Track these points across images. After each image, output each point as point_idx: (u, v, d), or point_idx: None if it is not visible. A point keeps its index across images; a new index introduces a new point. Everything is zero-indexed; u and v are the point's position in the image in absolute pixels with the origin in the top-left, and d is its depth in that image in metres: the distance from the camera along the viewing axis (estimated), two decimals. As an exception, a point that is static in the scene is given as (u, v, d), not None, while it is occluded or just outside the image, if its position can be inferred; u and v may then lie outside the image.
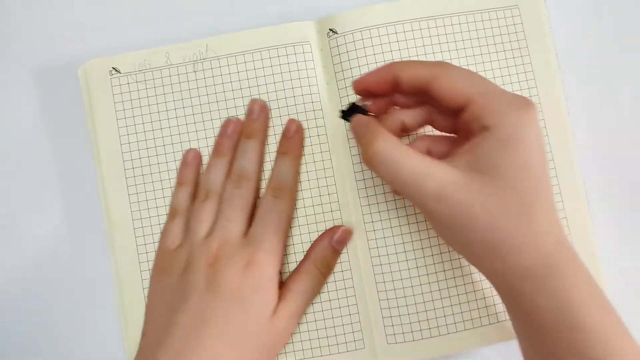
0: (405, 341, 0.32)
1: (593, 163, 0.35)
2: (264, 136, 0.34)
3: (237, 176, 0.32)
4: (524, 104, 0.24)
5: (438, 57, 0.34)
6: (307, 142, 0.34)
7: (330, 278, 0.33)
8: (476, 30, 0.35)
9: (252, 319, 0.29)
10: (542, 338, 0.25)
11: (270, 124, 0.34)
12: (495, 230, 0.24)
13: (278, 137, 0.34)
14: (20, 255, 0.36)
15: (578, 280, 0.24)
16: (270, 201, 0.32)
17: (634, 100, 0.36)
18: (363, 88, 0.29)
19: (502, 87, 0.34)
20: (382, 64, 0.34)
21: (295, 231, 0.33)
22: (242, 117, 0.34)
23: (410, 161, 0.24)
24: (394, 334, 0.32)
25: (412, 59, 0.34)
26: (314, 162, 0.34)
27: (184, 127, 0.34)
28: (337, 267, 0.33)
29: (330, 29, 0.35)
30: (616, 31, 0.37)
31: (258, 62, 0.35)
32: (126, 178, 0.34)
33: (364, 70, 0.34)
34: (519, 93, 0.34)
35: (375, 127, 0.26)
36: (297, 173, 0.33)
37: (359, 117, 0.28)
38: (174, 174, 0.34)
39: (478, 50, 0.34)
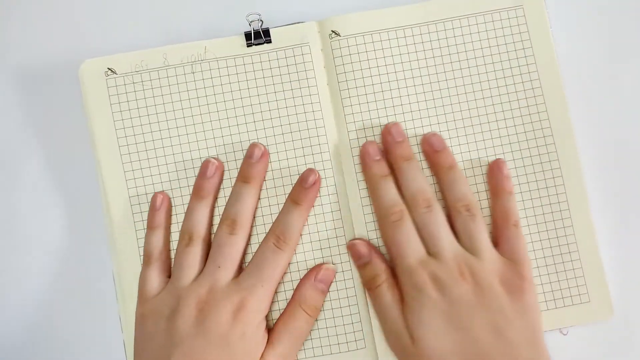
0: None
1: (596, 164, 0.35)
2: (262, 182, 0.33)
3: (232, 221, 0.32)
4: None
5: (439, 61, 0.34)
6: (306, 142, 0.34)
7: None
8: (478, 32, 0.35)
9: None
10: None
11: (270, 125, 0.34)
12: None
13: (278, 138, 0.34)
14: (20, 260, 0.35)
15: None
16: (271, 249, 0.31)
17: (637, 100, 0.36)
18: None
19: (505, 87, 0.34)
20: (384, 68, 0.34)
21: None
22: (241, 118, 0.34)
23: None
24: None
25: (412, 63, 0.34)
26: (314, 162, 0.34)
27: (182, 129, 0.34)
28: (337, 267, 0.33)
29: (333, 31, 0.35)
30: (619, 30, 0.37)
31: (257, 64, 0.34)
32: (126, 180, 0.34)
33: (366, 73, 0.34)
34: (522, 93, 0.34)
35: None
36: (303, 225, 0.33)
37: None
38: (174, 176, 0.34)
39: (480, 53, 0.35)
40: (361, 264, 0.32)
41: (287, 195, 0.33)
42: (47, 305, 0.35)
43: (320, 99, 0.34)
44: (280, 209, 0.33)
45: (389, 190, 0.32)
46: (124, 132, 0.34)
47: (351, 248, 0.33)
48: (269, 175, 0.34)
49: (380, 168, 0.32)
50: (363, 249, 0.32)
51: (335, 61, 0.35)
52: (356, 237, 0.33)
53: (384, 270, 0.31)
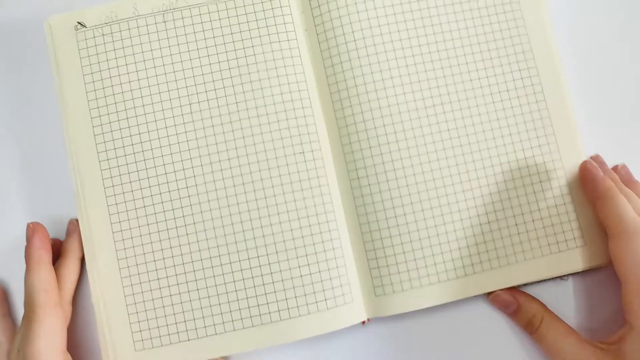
0: (394, 292, 0.31)
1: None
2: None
3: None
4: None
5: (429, 31, 0.33)
6: (288, 105, 0.32)
7: (315, 229, 0.31)
8: (474, 27, 0.33)
9: None
10: None
11: (248, 80, 0.33)
12: None
13: (256, 93, 0.32)
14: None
15: None
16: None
17: (636, 91, 0.35)
18: None
19: (505, 84, 0.33)
20: (368, 30, 0.32)
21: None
22: (215, 66, 0.32)
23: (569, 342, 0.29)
24: (382, 285, 0.31)
25: (401, 33, 0.32)
26: (298, 126, 0.32)
27: (153, 78, 0.32)
28: (322, 218, 0.31)
29: None
30: (619, 23, 0.36)
31: (232, 10, 0.33)
32: (96, 144, 0.32)
33: (349, 37, 0.32)
34: (522, 88, 0.33)
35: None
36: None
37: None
38: (145, 135, 0.32)
39: (477, 48, 0.33)
40: (511, 312, 0.31)
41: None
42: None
43: (301, 53, 0.33)
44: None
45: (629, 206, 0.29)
46: (93, 86, 0.32)
47: (495, 301, 0.32)
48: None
49: (611, 182, 0.30)
50: (507, 297, 0.31)
51: (315, 20, 0.33)
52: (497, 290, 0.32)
53: (538, 309, 0.31)
